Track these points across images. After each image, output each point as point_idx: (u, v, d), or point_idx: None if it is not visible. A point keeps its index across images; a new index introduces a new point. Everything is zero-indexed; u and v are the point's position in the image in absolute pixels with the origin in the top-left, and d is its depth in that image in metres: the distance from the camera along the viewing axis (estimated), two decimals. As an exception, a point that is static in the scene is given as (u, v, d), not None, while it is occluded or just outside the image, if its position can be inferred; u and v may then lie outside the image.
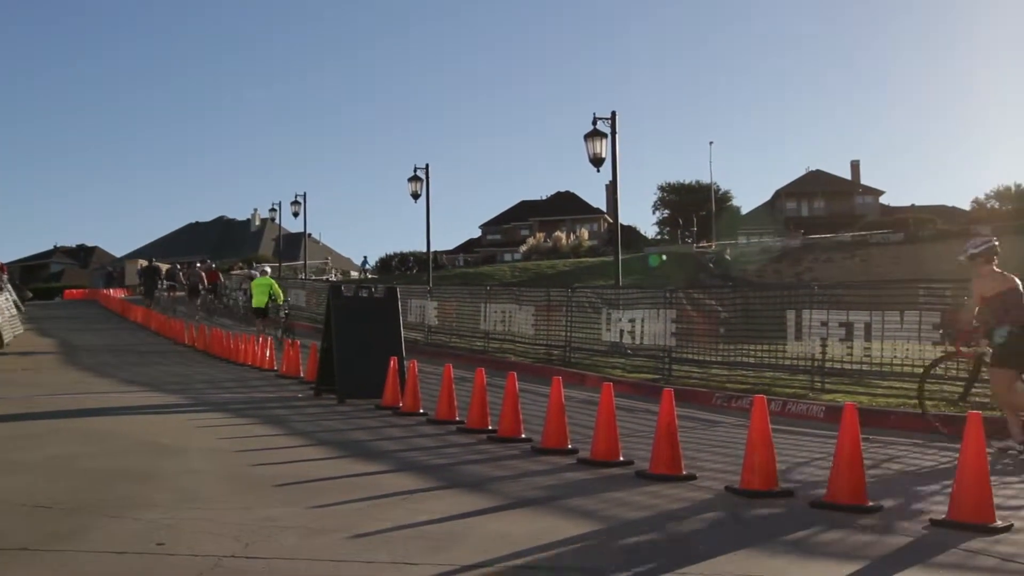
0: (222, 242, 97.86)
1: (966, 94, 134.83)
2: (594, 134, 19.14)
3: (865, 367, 11.43)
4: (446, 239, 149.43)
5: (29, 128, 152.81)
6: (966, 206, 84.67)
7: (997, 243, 8.63)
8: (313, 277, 52.97)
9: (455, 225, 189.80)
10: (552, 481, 6.92)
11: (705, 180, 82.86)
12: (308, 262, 54.24)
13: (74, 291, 59.69)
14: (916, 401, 9.53)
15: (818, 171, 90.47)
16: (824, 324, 11.93)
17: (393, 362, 11.48)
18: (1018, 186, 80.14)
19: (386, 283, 17.73)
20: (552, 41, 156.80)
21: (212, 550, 4.83)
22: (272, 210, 46.32)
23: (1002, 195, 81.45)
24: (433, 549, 4.91)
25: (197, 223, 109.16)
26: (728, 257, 56.58)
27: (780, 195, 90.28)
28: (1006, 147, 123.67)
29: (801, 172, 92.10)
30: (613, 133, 19.00)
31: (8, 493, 6.31)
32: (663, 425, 6.91)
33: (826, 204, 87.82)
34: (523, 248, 69.97)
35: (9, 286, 31.03)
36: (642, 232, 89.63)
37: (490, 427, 9.11)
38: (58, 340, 25.70)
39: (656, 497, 6.32)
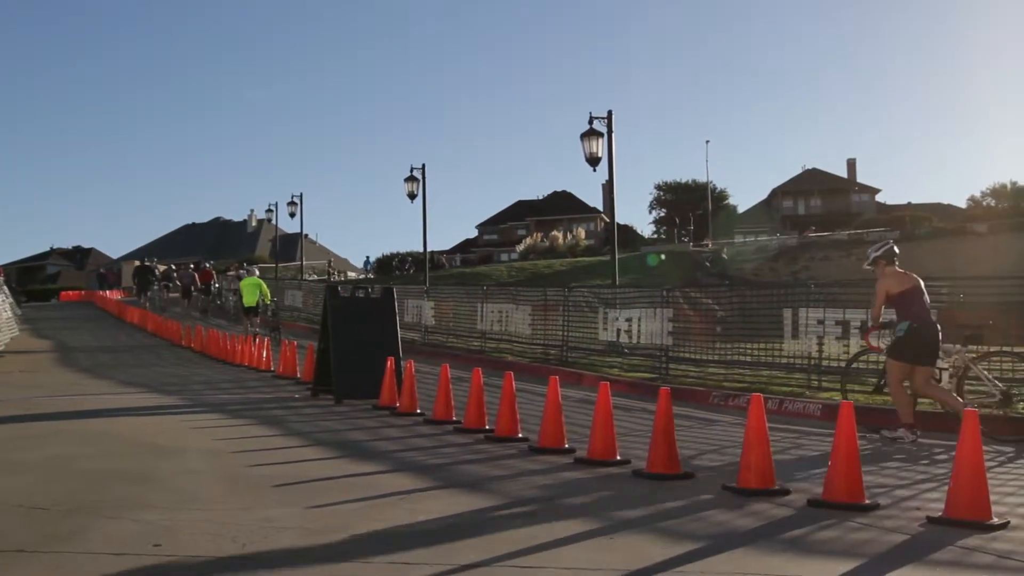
0: (218, 243, 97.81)
1: (962, 92, 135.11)
2: (590, 133, 19.13)
3: (862, 365, 11.43)
4: (443, 239, 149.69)
5: (25, 130, 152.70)
6: (962, 204, 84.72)
7: (895, 245, 9.27)
8: (316, 277, 52.98)
9: (452, 225, 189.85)
10: (549, 481, 6.93)
11: (701, 179, 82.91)
12: (309, 263, 54.24)
13: (70, 292, 59.60)
14: (840, 393, 10.18)
15: (814, 169, 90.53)
16: (820, 322, 11.95)
17: (390, 362, 11.48)
18: (1014, 184, 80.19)
19: (385, 283, 17.75)
20: (548, 41, 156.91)
21: (209, 551, 4.82)
22: (269, 211, 46.28)
23: (998, 193, 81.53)
24: (431, 549, 4.91)
25: (193, 224, 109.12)
26: (725, 256, 56.63)
27: (777, 194, 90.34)
28: (1002, 145, 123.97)
29: (797, 170, 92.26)
30: (609, 132, 18.99)
31: (5, 494, 6.30)
32: (660, 424, 6.91)
33: (822, 202, 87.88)
34: (520, 248, 69.97)
35: (5, 288, 31.02)
36: (639, 231, 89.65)
37: (487, 427, 9.12)
38: (55, 341, 25.68)
39: (653, 496, 6.32)
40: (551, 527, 5.42)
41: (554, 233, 70.55)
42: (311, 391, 13.04)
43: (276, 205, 45.48)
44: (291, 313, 32.70)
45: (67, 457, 7.95)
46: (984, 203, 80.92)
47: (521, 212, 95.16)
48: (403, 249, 67.89)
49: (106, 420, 10.59)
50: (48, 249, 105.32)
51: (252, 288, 22.95)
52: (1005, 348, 9.62)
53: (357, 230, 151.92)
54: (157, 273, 38.87)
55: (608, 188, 21.34)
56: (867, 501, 5.84)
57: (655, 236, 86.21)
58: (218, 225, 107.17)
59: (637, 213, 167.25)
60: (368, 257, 66.57)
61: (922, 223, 62.51)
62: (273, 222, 47.96)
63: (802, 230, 68.02)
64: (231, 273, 33.42)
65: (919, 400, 9.35)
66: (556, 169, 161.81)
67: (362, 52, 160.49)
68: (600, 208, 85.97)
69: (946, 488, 5.59)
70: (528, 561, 4.70)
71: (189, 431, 9.62)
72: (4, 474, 7.16)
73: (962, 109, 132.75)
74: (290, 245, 66.38)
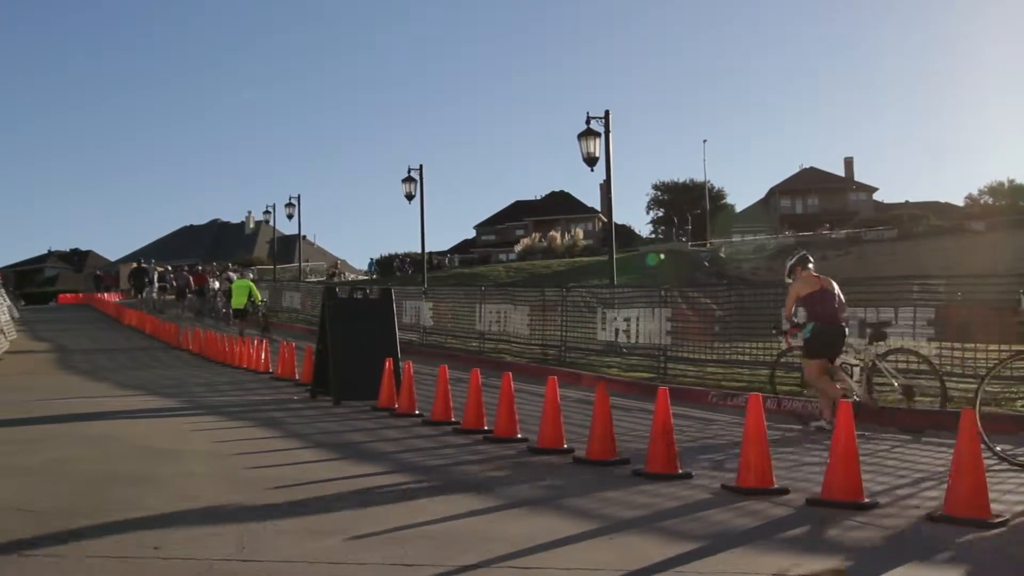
0: (216, 245, 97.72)
1: (959, 90, 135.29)
2: (587, 133, 19.14)
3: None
4: (441, 240, 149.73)
5: (22, 132, 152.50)
6: (959, 202, 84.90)
7: (807, 254, 10.45)
8: (322, 278, 52.99)
9: (450, 226, 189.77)
10: (548, 481, 6.93)
11: (699, 178, 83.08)
12: (313, 264, 54.20)
13: (68, 295, 59.55)
14: (769, 387, 10.98)
15: (812, 168, 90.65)
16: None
17: (388, 363, 11.47)
18: (1011, 182, 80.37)
19: (388, 285, 17.81)
20: (545, 41, 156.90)
21: (209, 553, 4.82)
22: (266, 212, 46.33)
23: (995, 191, 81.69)
24: (431, 550, 4.91)
25: (191, 226, 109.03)
26: (723, 255, 56.67)
27: (774, 193, 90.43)
28: (1000, 143, 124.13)
29: (795, 169, 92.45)
30: (607, 132, 19.00)
31: (4, 498, 6.30)
32: (659, 424, 6.92)
33: (820, 201, 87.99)
34: (518, 248, 70.01)
35: (3, 292, 31.03)
36: (637, 231, 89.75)
37: (486, 427, 9.11)
38: (53, 344, 25.66)
39: (652, 496, 6.33)
40: (550, 527, 5.42)
41: (552, 233, 70.60)
42: (310, 393, 13.04)
43: (274, 207, 45.55)
44: (289, 315, 32.71)
45: (66, 460, 7.95)
46: (982, 201, 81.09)
47: (519, 212, 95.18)
48: (401, 250, 67.97)
49: (104, 423, 10.58)
50: (46, 252, 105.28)
51: (242, 290, 23.93)
52: (906, 346, 10.34)
53: (355, 231, 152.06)
54: (153, 275, 39.04)
55: (606, 188, 21.36)
56: (866, 500, 5.84)
57: (653, 236, 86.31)
58: (216, 227, 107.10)
59: (635, 213, 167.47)
60: (372, 259, 66.63)
61: (920, 221, 62.62)
62: (271, 223, 48.03)
63: (815, 228, 67.46)
64: (219, 274, 33.93)
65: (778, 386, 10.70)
66: (554, 169, 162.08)
67: (359, 53, 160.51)
68: (598, 208, 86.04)
69: (945, 486, 5.60)
70: (527, 562, 4.70)
71: (188, 433, 9.61)
72: (3, 477, 7.16)
73: (959, 107, 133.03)
74: (288, 246, 66.34)
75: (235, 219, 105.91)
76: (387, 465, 7.66)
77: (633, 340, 15.44)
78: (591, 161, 19.31)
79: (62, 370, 18.84)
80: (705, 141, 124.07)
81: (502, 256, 75.01)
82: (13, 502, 6.17)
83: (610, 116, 19.02)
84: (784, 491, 6.26)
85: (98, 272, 67.93)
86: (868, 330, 10.44)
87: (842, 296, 9.86)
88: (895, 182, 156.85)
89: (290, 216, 42.58)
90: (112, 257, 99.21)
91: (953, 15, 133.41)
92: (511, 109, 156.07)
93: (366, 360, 11.84)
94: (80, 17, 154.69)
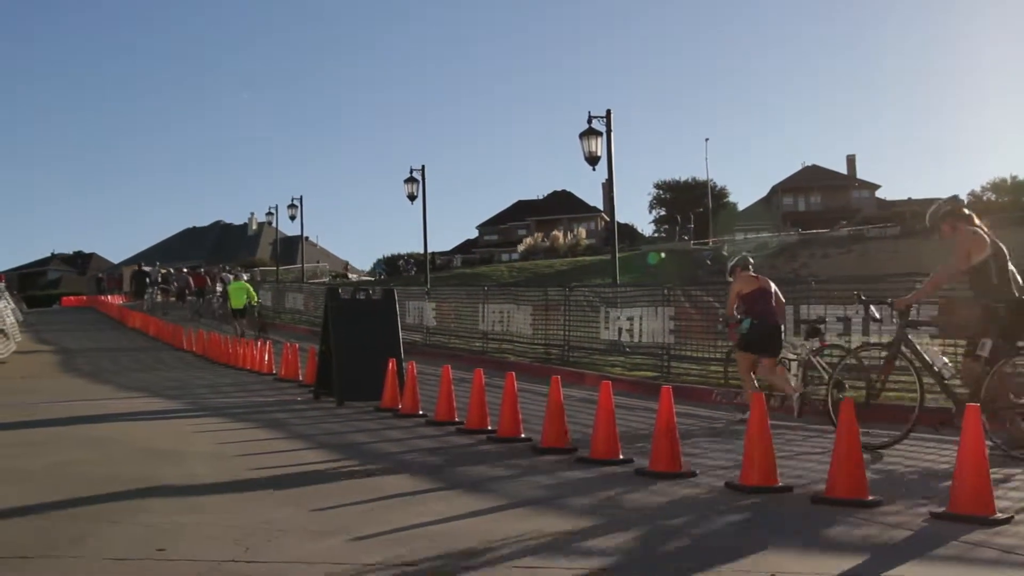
0: (219, 246, 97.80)
1: (961, 87, 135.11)
2: (589, 132, 19.15)
3: (863, 361, 11.40)
4: (443, 240, 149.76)
5: (25, 135, 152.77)
6: (963, 199, 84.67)
7: (748, 256, 10.86)
8: (332, 280, 53.09)
9: (452, 226, 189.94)
10: (552, 480, 6.92)
11: (701, 177, 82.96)
12: (317, 265, 54.21)
13: (72, 298, 59.63)
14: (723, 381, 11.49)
15: (814, 166, 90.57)
16: (822, 319, 11.90)
17: (392, 364, 11.47)
18: (1014, 178, 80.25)
19: (395, 285, 17.87)
20: (546, 40, 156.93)
21: (212, 555, 4.82)
22: (269, 214, 46.38)
23: (998, 187, 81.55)
24: (433, 550, 4.91)
25: (194, 228, 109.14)
26: (725, 254, 56.64)
27: (777, 191, 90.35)
28: (1002, 139, 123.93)
29: (797, 167, 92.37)
30: (608, 131, 19.01)
31: (8, 500, 6.30)
32: (662, 422, 6.91)
33: (823, 199, 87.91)
34: (520, 248, 70.00)
35: (7, 295, 31.08)
36: (639, 230, 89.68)
37: (489, 427, 9.11)
38: (57, 347, 25.70)
39: (656, 495, 6.32)
40: (553, 526, 5.41)
41: (554, 233, 70.56)
42: (313, 394, 13.04)
43: (276, 208, 45.61)
44: (292, 316, 32.74)
45: (69, 462, 7.95)
46: (984, 198, 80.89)
47: (521, 212, 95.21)
48: (404, 250, 68.04)
49: (108, 425, 10.59)
50: (49, 255, 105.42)
51: (239, 292, 24.62)
52: (840, 343, 10.79)
53: (358, 232, 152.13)
54: (157, 276, 39.27)
55: (608, 187, 21.36)
56: (870, 497, 5.83)
57: (655, 235, 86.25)
58: (219, 228, 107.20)
59: (637, 212, 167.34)
60: (379, 260, 66.75)
61: (922, 218, 62.41)
62: (274, 225, 48.06)
63: (834, 225, 66.78)
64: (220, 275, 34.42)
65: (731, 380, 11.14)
66: (556, 169, 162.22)
67: (360, 54, 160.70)
68: (600, 207, 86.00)
69: (949, 483, 5.59)
70: (531, 562, 4.69)
71: (191, 435, 9.62)
72: (6, 480, 7.16)
73: (962, 104, 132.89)
74: (291, 248, 66.47)
75: (238, 221, 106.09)
76: (390, 465, 7.65)
77: (636, 339, 15.43)
78: (593, 160, 19.31)
79: (66, 372, 18.87)
80: (707, 140, 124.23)
81: (505, 256, 75.01)
82: (16, 503, 6.17)
83: (611, 115, 19.03)
84: (788, 489, 6.24)
85: (99, 275, 68.07)
86: (803, 327, 11.15)
87: (780, 296, 10.47)
88: (898, 179, 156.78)
89: (292, 217, 42.64)
90: (115, 260, 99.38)
91: (954, 13, 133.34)
92: (513, 109, 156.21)
93: (369, 361, 11.83)
94: (82, 19, 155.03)
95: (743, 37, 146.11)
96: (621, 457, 7.45)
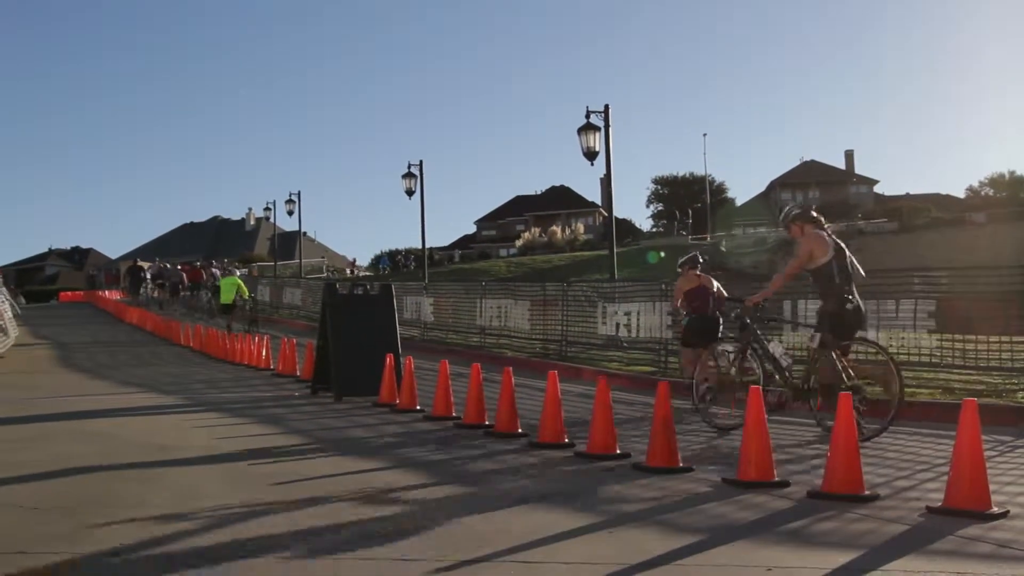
0: (217, 242, 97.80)
1: (960, 82, 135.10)
2: (587, 128, 19.13)
3: (860, 356, 11.42)
4: (441, 235, 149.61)
5: (22, 130, 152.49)
6: (961, 194, 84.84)
7: (698, 255, 11.69)
8: (334, 276, 53.08)
9: (450, 221, 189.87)
10: (549, 475, 6.93)
11: (699, 172, 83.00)
12: (316, 260, 54.16)
13: (70, 293, 59.60)
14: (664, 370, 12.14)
15: (812, 161, 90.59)
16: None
17: (389, 359, 11.47)
18: (1012, 173, 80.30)
19: (386, 280, 17.90)
20: (544, 35, 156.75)
21: (210, 549, 4.82)
22: (267, 209, 46.36)
23: (996, 182, 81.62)
24: (431, 545, 4.91)
25: (192, 223, 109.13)
26: (723, 249, 56.60)
27: (775, 186, 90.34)
28: (1000, 134, 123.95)
29: (795, 163, 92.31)
30: (606, 126, 18.99)
31: (5, 495, 6.30)
32: (659, 418, 6.92)
33: (821, 194, 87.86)
34: (518, 243, 70.01)
35: (4, 289, 31.07)
36: (637, 225, 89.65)
37: (487, 422, 9.12)
38: (55, 342, 25.67)
39: (653, 489, 6.33)
40: (551, 522, 5.42)
41: (552, 228, 70.59)
42: (311, 389, 13.04)
43: (274, 203, 45.63)
44: (290, 311, 32.73)
45: (67, 457, 7.94)
46: (983, 193, 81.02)
47: (519, 207, 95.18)
48: (402, 246, 68.02)
49: (106, 420, 10.59)
50: (47, 250, 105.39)
51: (230, 287, 24.99)
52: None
53: (355, 227, 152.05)
54: (156, 271, 39.38)
55: (606, 182, 21.37)
56: (867, 492, 5.84)
57: (654, 230, 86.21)
58: (216, 224, 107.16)
59: (635, 207, 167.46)
60: (385, 256, 66.67)
61: (920, 213, 62.46)
62: (271, 220, 47.99)
63: (851, 219, 66.25)
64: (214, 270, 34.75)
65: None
66: (554, 164, 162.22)
67: (359, 49, 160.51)
68: (598, 202, 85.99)
69: (946, 478, 5.60)
70: (528, 556, 4.70)
71: (189, 430, 9.62)
72: (4, 475, 7.15)
73: (960, 99, 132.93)
74: (289, 243, 66.36)
75: (235, 216, 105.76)
76: (388, 461, 7.66)
77: (634, 334, 15.44)
78: (591, 155, 19.31)
79: (64, 368, 18.85)
80: (705, 135, 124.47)
81: (503, 251, 75.02)
82: (14, 499, 6.18)
83: (610, 110, 19.02)
84: (785, 484, 6.25)
85: (92, 272, 68.07)
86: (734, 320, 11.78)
87: (723, 292, 11.37)
88: (896, 174, 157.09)
89: (290, 213, 42.62)
90: (113, 255, 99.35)
91: (953, 8, 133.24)
92: (511, 104, 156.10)
93: (367, 356, 11.83)
94: (80, 15, 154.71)
95: (741, 32, 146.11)
96: (618, 452, 7.46)
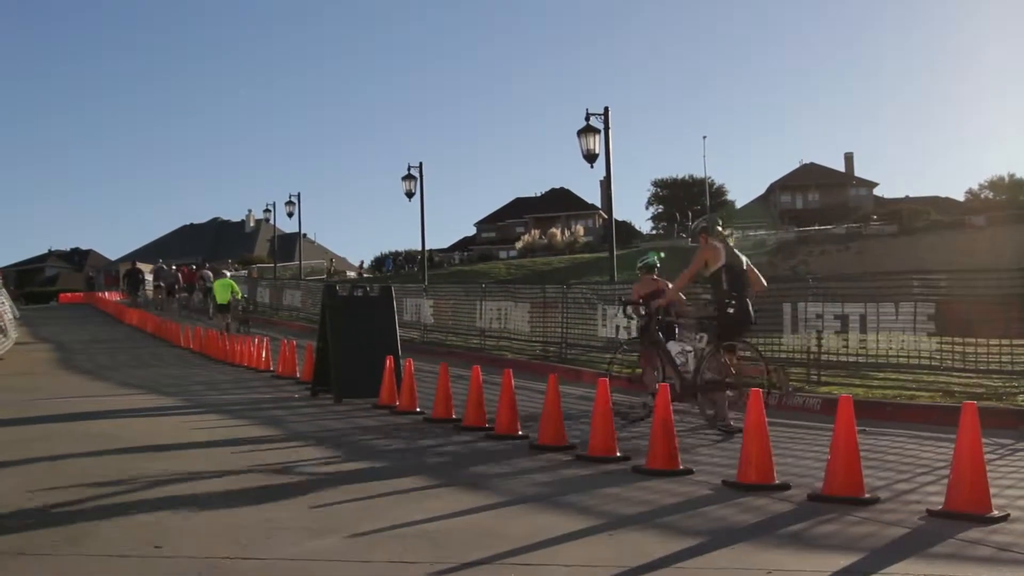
0: (217, 243, 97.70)
1: (959, 85, 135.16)
2: (587, 130, 19.13)
3: (861, 359, 11.45)
4: (441, 237, 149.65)
5: (22, 131, 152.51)
6: (960, 197, 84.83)
7: (657, 259, 11.76)
8: (336, 278, 53.19)
9: (450, 223, 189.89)
10: (549, 478, 6.93)
11: (699, 174, 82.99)
12: (315, 262, 54.13)
13: (69, 294, 59.58)
14: (609, 366, 11.86)
15: (812, 164, 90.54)
16: (819, 317, 11.94)
17: (389, 361, 11.47)
18: (1012, 176, 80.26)
19: (386, 282, 17.93)
20: (544, 37, 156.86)
21: (210, 551, 4.83)
22: (266, 211, 46.34)
23: (996, 185, 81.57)
24: (431, 548, 4.91)
25: (192, 225, 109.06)
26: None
27: (774, 188, 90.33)
28: (1000, 137, 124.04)
29: (795, 165, 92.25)
30: (606, 129, 18.99)
31: (6, 496, 6.30)
32: (659, 420, 6.92)
33: (820, 197, 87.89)
34: (518, 245, 69.93)
35: (5, 291, 31.08)
36: (637, 227, 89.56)
37: (487, 425, 9.11)
38: (55, 343, 25.66)
39: (653, 492, 6.33)
40: (551, 524, 5.42)
41: (552, 230, 70.51)
42: (310, 391, 13.04)
43: (274, 205, 45.60)
44: (290, 313, 32.73)
45: (67, 459, 7.95)
46: (982, 195, 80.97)
47: (519, 209, 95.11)
48: (402, 248, 68.03)
49: (106, 422, 10.59)
50: (46, 251, 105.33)
51: (224, 288, 25.54)
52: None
53: (355, 229, 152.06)
54: (144, 274, 39.84)
55: (606, 185, 21.38)
56: (867, 495, 5.84)
57: (653, 232, 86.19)
58: (216, 225, 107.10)
59: (635, 209, 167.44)
60: (391, 258, 66.63)
61: (920, 216, 62.44)
62: (271, 222, 47.99)
63: (866, 221, 65.86)
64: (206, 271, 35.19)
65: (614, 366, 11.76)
66: (554, 166, 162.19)
67: (359, 50, 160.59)
68: (598, 204, 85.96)
69: (946, 481, 5.60)
70: (528, 559, 4.70)
71: (189, 431, 9.61)
72: (4, 476, 7.16)
73: (959, 101, 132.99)
74: (289, 245, 66.36)
75: (235, 217, 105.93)
76: (388, 463, 7.66)
77: (634, 336, 15.41)
78: (591, 158, 19.30)
79: (64, 369, 18.85)
80: (705, 137, 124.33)
81: (503, 253, 74.96)
82: (14, 501, 6.17)
83: (609, 113, 19.01)
84: (785, 487, 6.25)
85: (90, 274, 68.10)
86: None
87: (682, 296, 11.32)
88: (895, 177, 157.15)
89: (290, 214, 42.62)
90: (113, 256, 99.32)
91: (952, 10, 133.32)
92: (511, 106, 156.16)
93: (367, 358, 11.83)
94: (80, 16, 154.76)
95: (741, 35, 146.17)
96: (619, 455, 7.46)
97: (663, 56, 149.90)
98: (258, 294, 38.01)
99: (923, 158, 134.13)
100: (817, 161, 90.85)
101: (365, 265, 71.26)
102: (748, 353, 9.99)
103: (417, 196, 28.95)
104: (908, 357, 10.77)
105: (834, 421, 5.94)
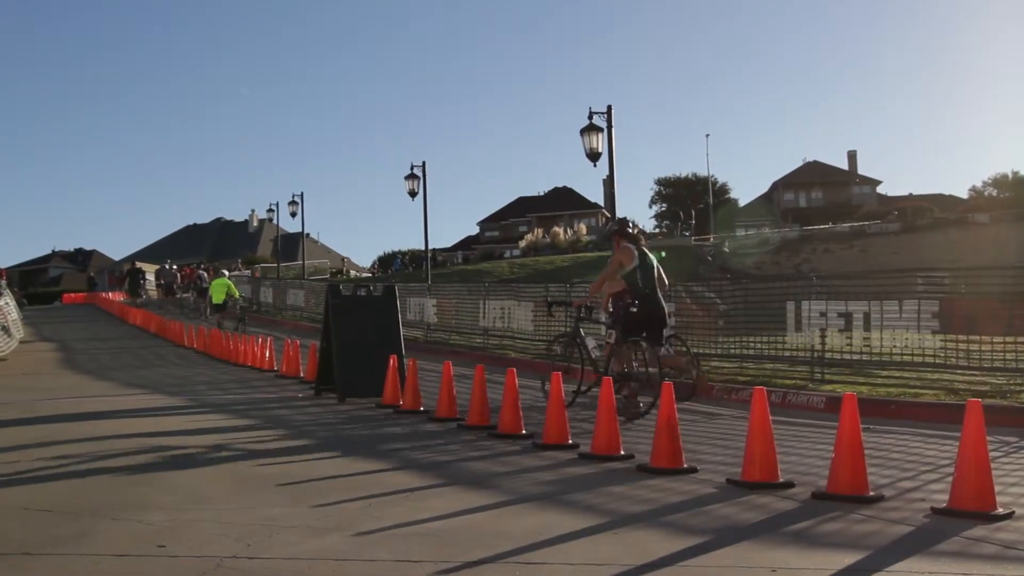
0: (220, 243, 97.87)
1: (962, 82, 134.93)
2: (590, 129, 19.10)
3: (865, 357, 11.43)
4: (444, 237, 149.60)
5: (26, 132, 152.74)
6: (964, 194, 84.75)
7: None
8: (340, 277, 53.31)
9: (453, 222, 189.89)
10: (553, 476, 6.93)
11: (702, 173, 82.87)
12: (317, 261, 54.17)
13: (73, 295, 59.67)
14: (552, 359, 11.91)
15: (815, 162, 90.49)
16: (823, 315, 11.92)
17: (393, 360, 11.47)
18: (1015, 173, 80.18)
19: (389, 281, 17.95)
20: (547, 36, 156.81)
21: (214, 551, 4.83)
22: (270, 211, 46.40)
23: (999, 183, 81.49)
24: (435, 547, 4.91)
25: (195, 225, 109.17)
26: (726, 249, 56.57)
27: (778, 186, 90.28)
28: (1004, 134, 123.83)
29: (798, 163, 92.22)
30: (609, 127, 18.97)
31: (9, 497, 6.31)
32: (663, 418, 6.91)
33: (824, 195, 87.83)
34: (521, 244, 69.95)
35: (8, 292, 31.14)
36: (640, 226, 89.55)
37: (491, 423, 9.11)
38: (59, 343, 25.72)
39: (657, 490, 6.33)
40: (555, 523, 5.42)
41: (555, 229, 70.49)
42: (314, 390, 13.04)
43: (277, 205, 45.67)
44: (293, 312, 32.76)
45: (71, 459, 7.96)
46: (986, 193, 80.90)
47: (522, 208, 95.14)
48: (405, 247, 68.09)
49: (110, 421, 10.60)
50: (50, 252, 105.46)
51: (220, 288, 26.29)
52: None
53: (358, 229, 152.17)
54: (145, 274, 40.16)
55: (609, 183, 21.32)
56: (871, 493, 5.83)
57: (656, 230, 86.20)
58: (219, 225, 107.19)
59: (638, 208, 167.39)
60: (399, 258, 66.69)
61: (924, 214, 62.38)
62: (274, 222, 48.04)
63: (884, 218, 65.50)
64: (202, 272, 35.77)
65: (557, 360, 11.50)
66: (557, 165, 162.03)
67: (361, 50, 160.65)
68: (601, 203, 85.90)
69: (950, 479, 5.59)
70: (532, 557, 4.70)
71: (192, 431, 9.61)
72: (8, 476, 7.17)
73: (963, 99, 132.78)
74: (292, 244, 66.46)
75: (239, 217, 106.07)
76: (391, 462, 7.66)
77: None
78: (594, 156, 19.28)
79: (67, 369, 18.88)
80: (708, 135, 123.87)
81: (506, 252, 74.96)
82: (18, 501, 6.19)
83: (612, 111, 18.99)
84: (789, 485, 6.24)
85: (91, 274, 68.21)
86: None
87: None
88: (899, 175, 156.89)
89: (293, 214, 42.68)
90: (116, 257, 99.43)
91: (955, 8, 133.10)
92: (513, 105, 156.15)
93: (370, 357, 11.84)
94: (82, 16, 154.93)
95: (744, 33, 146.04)
96: (623, 453, 7.45)
97: (666, 54, 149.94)
98: (262, 294, 38.07)
99: (926, 156, 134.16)
100: (820, 159, 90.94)
101: (376, 266, 71.55)
102: (676, 347, 11.29)
103: (420, 195, 28.99)
104: (912, 355, 10.75)
105: (838, 419, 5.93)
